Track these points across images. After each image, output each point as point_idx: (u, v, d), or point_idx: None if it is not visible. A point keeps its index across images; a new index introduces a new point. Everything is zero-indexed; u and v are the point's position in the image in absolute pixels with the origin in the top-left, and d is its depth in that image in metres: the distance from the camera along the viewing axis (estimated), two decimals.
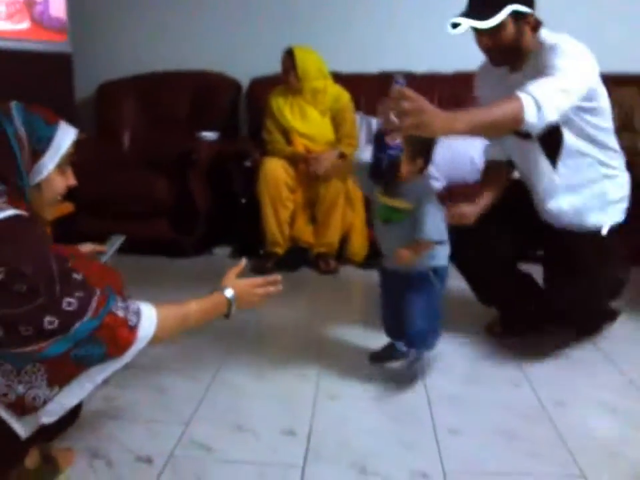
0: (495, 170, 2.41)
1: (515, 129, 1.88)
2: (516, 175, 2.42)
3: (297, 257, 3.49)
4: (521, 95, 1.82)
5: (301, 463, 1.70)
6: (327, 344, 2.50)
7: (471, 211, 2.24)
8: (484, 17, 1.98)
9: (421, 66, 4.04)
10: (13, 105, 1.38)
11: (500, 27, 2.01)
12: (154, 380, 2.14)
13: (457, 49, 4.04)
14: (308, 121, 3.44)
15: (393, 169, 1.91)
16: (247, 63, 4.22)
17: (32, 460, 1.55)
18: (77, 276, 1.33)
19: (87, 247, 1.80)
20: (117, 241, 1.89)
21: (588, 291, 2.13)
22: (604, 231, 2.18)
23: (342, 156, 3.40)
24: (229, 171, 3.67)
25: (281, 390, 2.11)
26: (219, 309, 1.65)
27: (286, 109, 3.47)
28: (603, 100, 2.10)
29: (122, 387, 2.04)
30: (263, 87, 3.90)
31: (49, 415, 1.31)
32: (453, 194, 3.43)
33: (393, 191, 2.00)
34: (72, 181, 1.48)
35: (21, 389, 1.27)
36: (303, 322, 2.72)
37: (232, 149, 3.78)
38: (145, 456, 1.72)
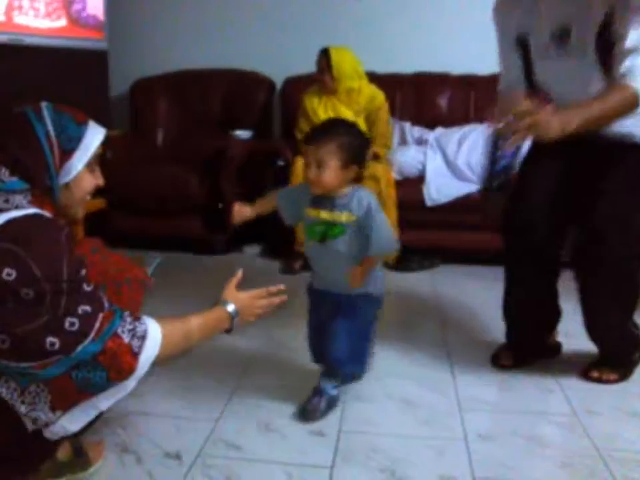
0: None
1: (629, 114, 1.85)
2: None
3: None
4: (627, 81, 1.80)
5: (329, 464, 1.69)
6: None
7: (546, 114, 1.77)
8: None
9: (456, 68, 4.02)
10: (44, 105, 1.38)
11: None
12: (183, 377, 2.15)
13: (494, 51, 4.03)
14: None
15: (508, 175, 1.84)
16: (281, 62, 4.22)
17: (64, 453, 1.57)
18: (88, 287, 1.30)
19: None
20: (154, 262, 1.87)
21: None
22: None
23: (375, 156, 3.39)
24: (261, 170, 3.67)
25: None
26: (221, 324, 1.61)
27: (320, 109, 3.46)
28: None
29: (151, 383, 2.04)
30: (297, 86, 3.90)
31: (52, 434, 1.32)
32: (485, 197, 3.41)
33: (327, 205, 1.83)
34: (100, 180, 1.48)
35: (23, 409, 1.27)
36: None
37: (265, 148, 3.78)
38: (174, 452, 1.73)
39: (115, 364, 1.30)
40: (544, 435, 1.86)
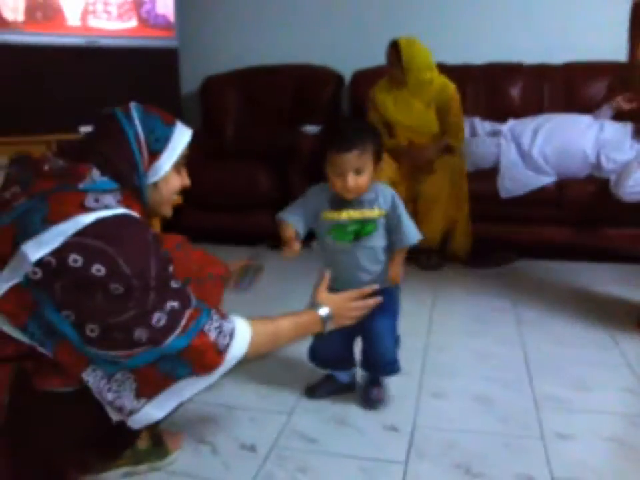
0: None
1: None
2: None
3: None
4: None
5: (404, 460, 1.67)
6: (432, 339, 2.46)
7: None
8: None
9: (528, 57, 3.91)
10: (133, 105, 1.41)
11: None
12: (258, 369, 2.16)
13: (567, 39, 3.92)
14: (412, 114, 3.38)
15: None
16: (350, 55, 4.21)
17: (143, 441, 1.62)
18: (175, 284, 1.33)
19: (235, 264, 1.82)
20: (258, 271, 1.86)
21: None
22: None
23: (448, 148, 3.34)
24: None
25: None
26: (312, 328, 1.63)
27: (389, 102, 3.42)
28: None
29: (226, 375, 2.07)
30: (366, 79, 3.87)
31: (135, 423, 1.34)
32: (564, 188, 3.32)
33: (354, 204, 1.81)
34: (187, 180, 1.51)
35: (109, 397, 1.29)
36: (406, 315, 2.68)
37: None
38: (249, 444, 1.74)
39: (200, 360, 1.32)
40: (626, 436, 1.78)
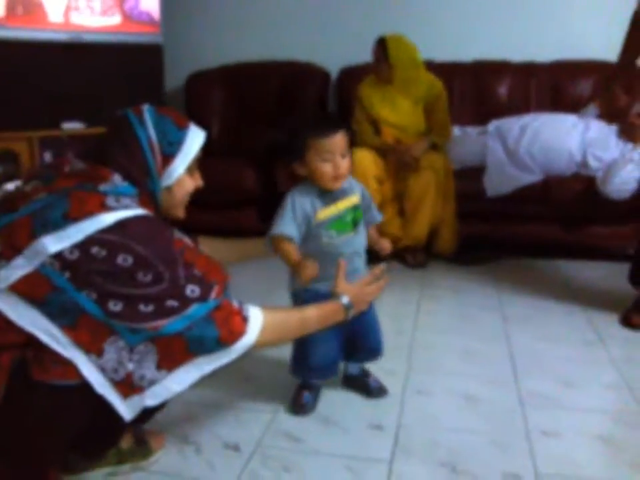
0: None
1: None
2: None
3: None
4: None
5: (389, 458, 1.66)
6: (418, 336, 2.45)
7: None
8: None
9: (515, 55, 3.92)
10: (146, 108, 1.41)
11: None
12: (242, 368, 2.14)
13: (555, 37, 3.93)
14: (398, 111, 3.37)
15: None
16: (336, 52, 4.18)
17: (126, 441, 1.60)
18: (197, 272, 1.34)
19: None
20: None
21: None
22: None
23: (433, 146, 3.33)
24: None
25: None
26: (336, 316, 1.67)
27: (376, 99, 3.40)
28: None
29: (211, 374, 2.05)
30: (353, 76, 3.85)
31: (154, 397, 1.34)
32: (550, 186, 3.32)
33: (338, 195, 1.80)
34: (199, 182, 1.52)
35: (130, 366, 1.29)
36: (392, 313, 2.68)
37: None
38: (233, 443, 1.73)
39: (228, 323, 1.35)
40: (610, 433, 1.79)
